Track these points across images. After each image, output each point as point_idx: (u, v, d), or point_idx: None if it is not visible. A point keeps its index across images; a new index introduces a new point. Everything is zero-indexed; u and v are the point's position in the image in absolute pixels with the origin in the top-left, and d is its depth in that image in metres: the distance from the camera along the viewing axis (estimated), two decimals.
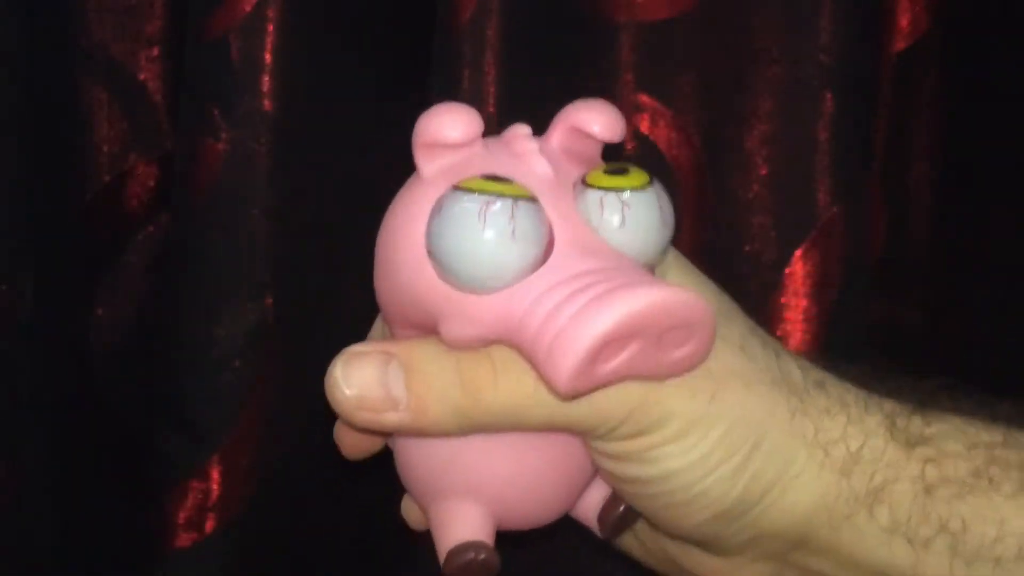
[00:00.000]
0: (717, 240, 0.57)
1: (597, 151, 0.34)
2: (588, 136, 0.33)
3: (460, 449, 0.34)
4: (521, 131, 0.33)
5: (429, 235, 0.31)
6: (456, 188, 0.30)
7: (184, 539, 0.58)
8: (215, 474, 0.57)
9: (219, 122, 0.55)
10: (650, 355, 0.30)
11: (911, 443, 0.34)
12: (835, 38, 0.55)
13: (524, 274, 0.30)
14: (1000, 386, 0.60)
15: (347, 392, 0.33)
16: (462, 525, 0.34)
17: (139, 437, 0.61)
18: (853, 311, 0.57)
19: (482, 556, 0.33)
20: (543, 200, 0.31)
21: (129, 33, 0.61)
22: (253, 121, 0.55)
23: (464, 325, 0.31)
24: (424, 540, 0.40)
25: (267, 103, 0.55)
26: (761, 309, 0.56)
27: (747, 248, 0.57)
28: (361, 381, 0.33)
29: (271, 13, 0.55)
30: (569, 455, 0.34)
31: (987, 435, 0.34)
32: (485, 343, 0.32)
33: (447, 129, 0.32)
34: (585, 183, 0.32)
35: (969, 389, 0.37)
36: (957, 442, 0.34)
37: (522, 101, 0.55)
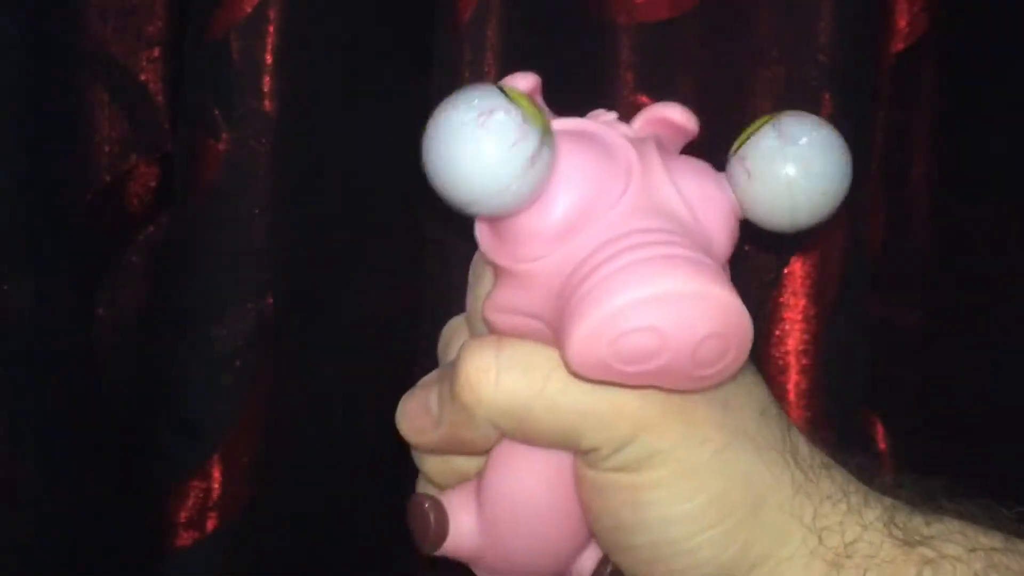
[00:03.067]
0: None
1: (677, 147, 0.33)
2: (671, 127, 0.32)
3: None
4: (605, 113, 0.32)
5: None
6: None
7: (185, 538, 0.58)
8: (216, 473, 0.57)
9: (219, 122, 0.55)
10: (683, 367, 0.27)
11: (910, 542, 0.33)
12: (835, 39, 0.55)
13: (531, 190, 0.27)
14: (1000, 386, 0.60)
15: (401, 424, 0.36)
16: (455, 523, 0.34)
17: (139, 437, 0.61)
18: (852, 311, 0.57)
19: (433, 512, 0.34)
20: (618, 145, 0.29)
21: (130, 34, 0.61)
22: (253, 121, 0.55)
23: (514, 290, 0.29)
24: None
25: (267, 103, 0.55)
26: (761, 309, 0.56)
27: (747, 248, 0.57)
28: (410, 407, 0.35)
29: (272, 13, 0.55)
30: (567, 517, 0.34)
31: (987, 539, 0.33)
32: (531, 314, 0.29)
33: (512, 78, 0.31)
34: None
35: (971, 491, 0.36)
36: (957, 545, 0.33)
37: None
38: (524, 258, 0.28)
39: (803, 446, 0.34)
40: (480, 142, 0.26)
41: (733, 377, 0.30)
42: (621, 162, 0.28)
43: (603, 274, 0.26)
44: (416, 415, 0.35)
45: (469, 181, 0.26)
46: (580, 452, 0.32)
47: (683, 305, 0.26)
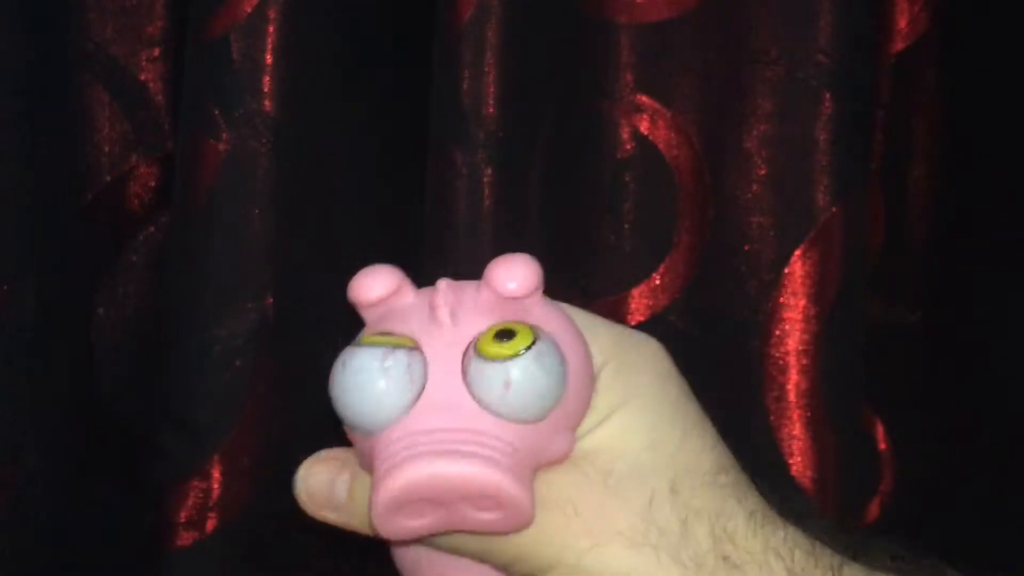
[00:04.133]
0: (717, 240, 0.57)
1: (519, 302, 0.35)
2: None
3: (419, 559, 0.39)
4: (440, 285, 0.35)
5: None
6: (351, 344, 0.34)
7: (185, 538, 0.58)
8: (215, 473, 0.57)
9: (219, 122, 0.55)
10: (460, 513, 0.32)
11: None
12: (834, 39, 0.55)
13: (396, 418, 0.33)
14: (1000, 386, 0.60)
15: (299, 489, 0.39)
16: None
17: (139, 437, 0.61)
18: (852, 311, 0.57)
19: None
20: (429, 353, 0.33)
21: (130, 34, 0.61)
22: (253, 121, 0.55)
23: (360, 458, 0.35)
24: None
25: (267, 103, 0.56)
26: (760, 309, 0.56)
27: (747, 248, 0.57)
28: (314, 481, 0.38)
29: (272, 13, 0.55)
30: None
31: None
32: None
33: (363, 292, 0.36)
34: (476, 349, 0.33)
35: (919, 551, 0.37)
36: None
37: (522, 101, 0.55)
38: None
39: (705, 539, 0.34)
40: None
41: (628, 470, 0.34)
42: (416, 380, 0.33)
43: (382, 470, 0.32)
44: (319, 493, 0.38)
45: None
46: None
47: (423, 486, 0.32)
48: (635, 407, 0.35)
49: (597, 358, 0.35)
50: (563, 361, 0.33)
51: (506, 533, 0.33)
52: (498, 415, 0.32)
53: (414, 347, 0.33)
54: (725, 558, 0.34)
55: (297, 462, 0.60)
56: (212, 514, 0.58)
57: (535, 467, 0.33)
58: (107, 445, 0.62)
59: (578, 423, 0.35)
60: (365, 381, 0.33)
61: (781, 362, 0.56)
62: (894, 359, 0.62)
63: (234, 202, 0.56)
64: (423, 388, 0.33)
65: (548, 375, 0.32)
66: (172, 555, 0.58)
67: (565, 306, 0.36)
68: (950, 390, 0.62)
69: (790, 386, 0.56)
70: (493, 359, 0.32)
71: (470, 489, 0.31)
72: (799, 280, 0.56)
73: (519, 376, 0.32)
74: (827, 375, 0.56)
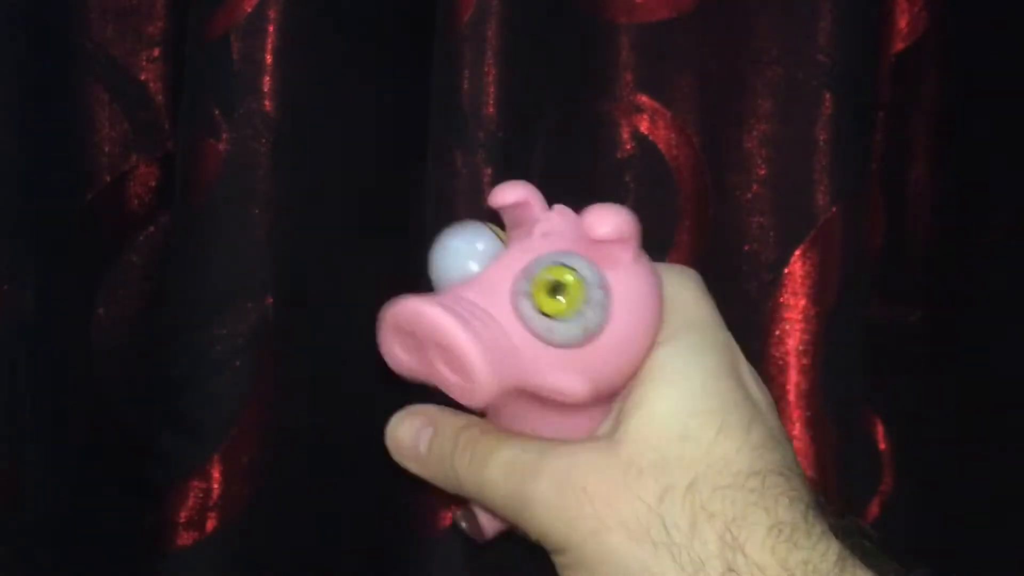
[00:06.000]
0: (717, 240, 0.57)
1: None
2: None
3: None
4: (554, 209, 0.37)
5: None
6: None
7: (185, 538, 0.58)
8: (215, 474, 0.57)
9: (219, 122, 0.55)
10: (435, 365, 0.34)
11: None
12: (834, 39, 0.55)
13: (457, 280, 0.36)
14: (1000, 386, 0.60)
15: (388, 437, 0.40)
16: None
17: (139, 437, 0.61)
18: (852, 311, 0.57)
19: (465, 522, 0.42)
20: (508, 251, 0.36)
21: (130, 34, 0.61)
22: (253, 121, 0.55)
23: None
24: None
25: (267, 103, 0.56)
26: (760, 309, 0.56)
27: (747, 248, 0.57)
28: (401, 432, 0.40)
29: (272, 13, 0.55)
30: None
31: None
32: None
33: (495, 196, 0.37)
34: (530, 286, 0.34)
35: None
36: None
37: (522, 101, 0.55)
38: None
39: (713, 541, 0.33)
40: None
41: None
42: (483, 263, 0.37)
43: None
44: (404, 443, 0.40)
45: None
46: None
47: (398, 316, 0.35)
48: (680, 391, 0.35)
49: (660, 335, 0.36)
50: (601, 323, 0.34)
51: (467, 406, 0.35)
52: (519, 316, 0.34)
53: (503, 243, 0.37)
54: (730, 569, 0.33)
55: (297, 463, 0.60)
56: (212, 514, 0.58)
57: (523, 373, 0.34)
58: (107, 445, 0.62)
59: (601, 381, 0.35)
60: (452, 246, 0.37)
61: (781, 362, 0.56)
62: (894, 359, 0.62)
63: (234, 202, 0.56)
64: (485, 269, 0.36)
65: (581, 335, 0.34)
66: (172, 555, 0.58)
67: (677, 271, 0.38)
68: (950, 390, 0.62)
69: (790, 386, 0.56)
70: (539, 310, 0.33)
71: (436, 333, 0.33)
72: (799, 280, 0.56)
73: (558, 335, 0.34)
74: (827, 375, 0.56)
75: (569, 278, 0.33)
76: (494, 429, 0.38)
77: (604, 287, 0.34)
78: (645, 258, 0.36)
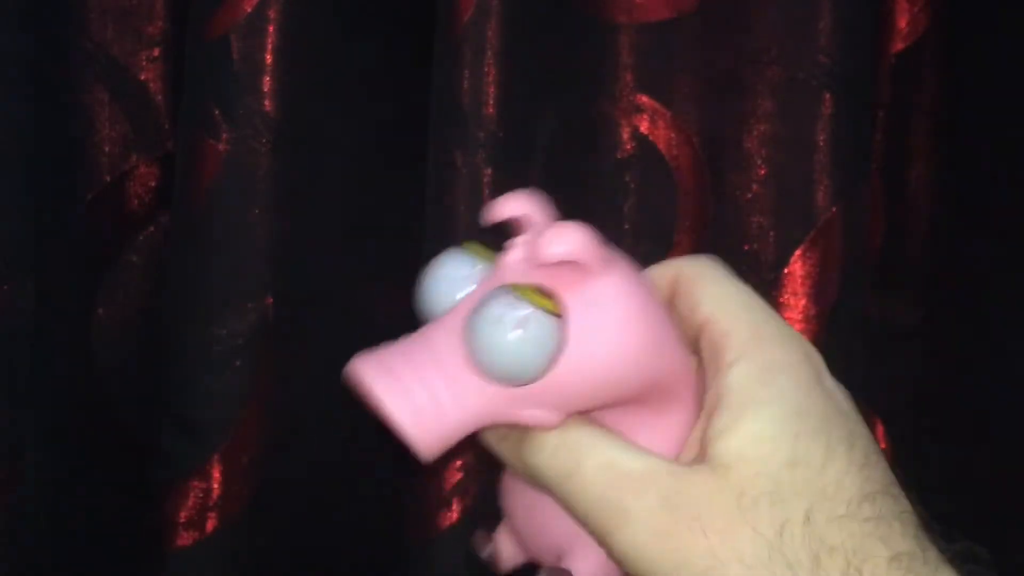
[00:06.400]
0: (717, 240, 0.57)
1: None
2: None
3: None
4: (520, 240, 0.35)
5: None
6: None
7: (185, 538, 0.58)
8: (215, 473, 0.57)
9: (219, 122, 0.55)
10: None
11: None
12: (834, 39, 0.55)
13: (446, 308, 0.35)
14: (1000, 386, 0.60)
15: None
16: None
17: (139, 437, 0.61)
18: (852, 311, 0.57)
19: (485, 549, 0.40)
20: (487, 280, 0.35)
21: (130, 34, 0.61)
22: (253, 121, 0.55)
23: None
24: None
25: (267, 103, 0.56)
26: None
27: (746, 248, 0.57)
28: None
29: (272, 13, 0.55)
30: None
31: None
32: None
33: (490, 212, 0.36)
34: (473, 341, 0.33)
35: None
36: None
37: (522, 101, 0.55)
38: None
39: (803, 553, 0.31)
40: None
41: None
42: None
43: None
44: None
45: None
46: None
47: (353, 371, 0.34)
48: (778, 413, 0.33)
49: (728, 353, 0.34)
50: (551, 336, 0.32)
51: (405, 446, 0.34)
52: (469, 358, 0.33)
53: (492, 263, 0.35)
54: None
55: (297, 463, 0.60)
56: (212, 514, 0.58)
57: (487, 415, 0.33)
58: (107, 445, 0.62)
59: (577, 406, 0.34)
60: (433, 280, 0.35)
61: None
62: (894, 359, 0.62)
63: (234, 202, 0.56)
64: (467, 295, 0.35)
65: (530, 372, 0.33)
66: (172, 555, 0.58)
67: (714, 275, 0.36)
68: (950, 390, 0.61)
69: None
70: (517, 295, 0.33)
71: (370, 399, 0.33)
72: (799, 280, 0.56)
73: (509, 378, 0.33)
74: None
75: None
76: (582, 419, 0.35)
77: (548, 316, 0.32)
78: (618, 264, 0.34)
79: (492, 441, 0.36)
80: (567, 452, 0.34)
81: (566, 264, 0.33)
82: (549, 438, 0.34)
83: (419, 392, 0.33)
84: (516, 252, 0.34)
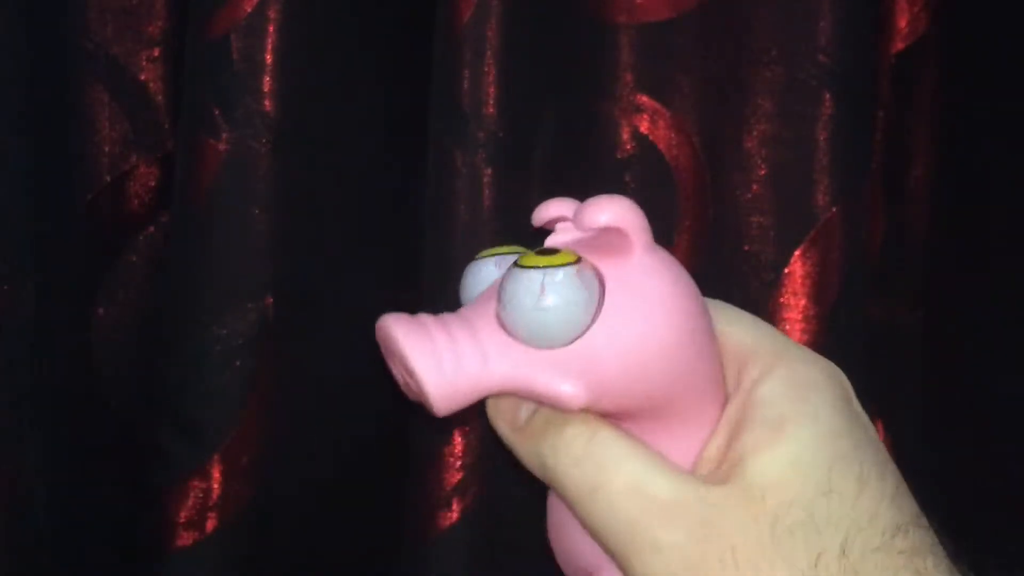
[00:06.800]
0: (717, 240, 0.57)
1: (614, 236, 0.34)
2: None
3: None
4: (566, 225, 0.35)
5: None
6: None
7: (185, 538, 0.58)
8: (215, 473, 0.57)
9: (219, 122, 0.55)
10: (405, 380, 0.33)
11: None
12: (834, 39, 0.55)
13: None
14: (1000, 385, 0.60)
15: (489, 401, 0.35)
16: None
17: (139, 437, 0.61)
18: (852, 311, 0.57)
19: None
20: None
21: (130, 34, 0.61)
22: (253, 121, 0.55)
23: None
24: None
25: (267, 103, 0.56)
26: (760, 309, 0.56)
27: (747, 248, 0.57)
28: (504, 406, 0.35)
29: (272, 13, 0.55)
30: None
31: None
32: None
33: (535, 215, 0.36)
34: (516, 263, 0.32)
35: None
36: None
37: (522, 101, 0.55)
38: None
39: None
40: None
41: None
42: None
43: None
44: (506, 409, 0.34)
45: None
46: None
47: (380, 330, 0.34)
48: (814, 434, 0.32)
49: (753, 368, 0.33)
50: (584, 297, 0.31)
51: (430, 411, 0.33)
52: (499, 315, 0.32)
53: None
54: None
55: (297, 463, 0.60)
56: (212, 514, 0.58)
57: (510, 381, 0.32)
58: (107, 445, 0.62)
59: (601, 385, 0.32)
60: (473, 269, 0.35)
61: None
62: (894, 359, 0.62)
63: (234, 202, 0.56)
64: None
65: (563, 328, 0.31)
66: (172, 555, 0.58)
67: (720, 306, 0.35)
68: (950, 390, 0.62)
69: None
70: (521, 265, 0.32)
71: (393, 345, 0.33)
72: (799, 280, 0.56)
73: (538, 333, 0.31)
74: None
75: (556, 248, 0.32)
76: (610, 425, 0.33)
77: (585, 274, 0.31)
78: (662, 253, 0.33)
79: (506, 432, 0.34)
80: (594, 465, 0.32)
81: (611, 244, 0.32)
82: (575, 442, 0.32)
83: (442, 341, 0.32)
84: (561, 236, 0.34)
